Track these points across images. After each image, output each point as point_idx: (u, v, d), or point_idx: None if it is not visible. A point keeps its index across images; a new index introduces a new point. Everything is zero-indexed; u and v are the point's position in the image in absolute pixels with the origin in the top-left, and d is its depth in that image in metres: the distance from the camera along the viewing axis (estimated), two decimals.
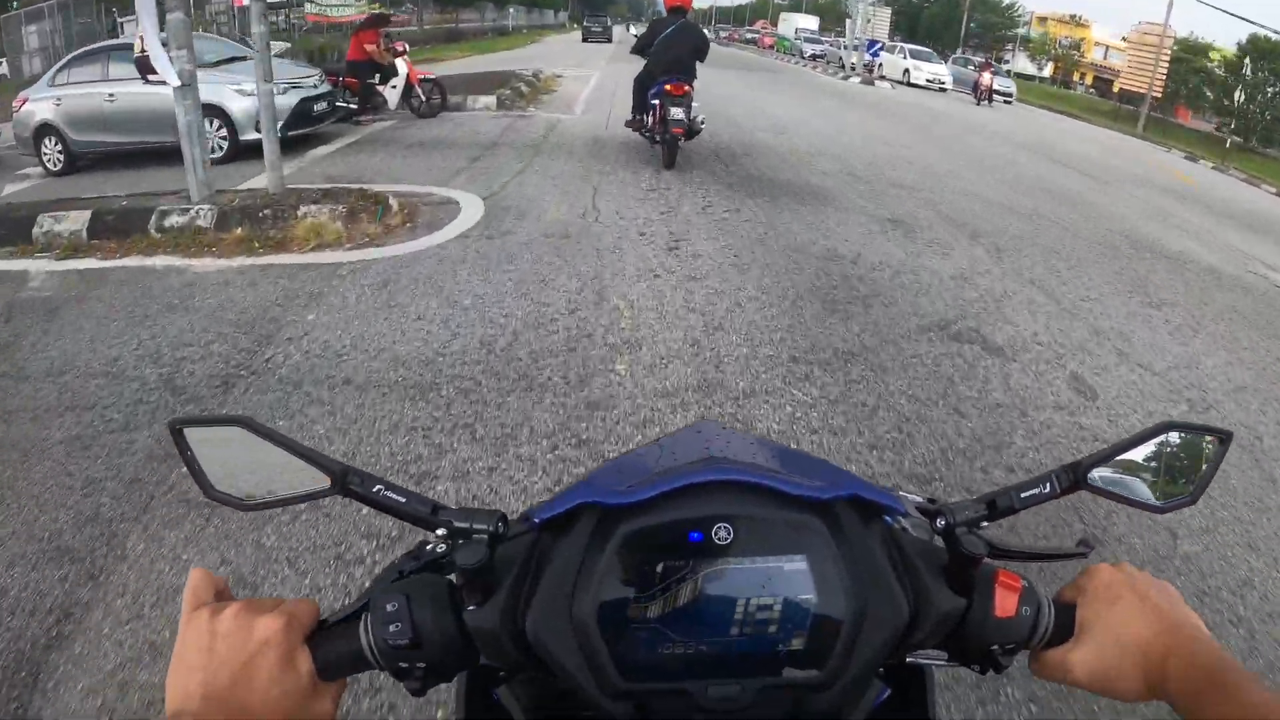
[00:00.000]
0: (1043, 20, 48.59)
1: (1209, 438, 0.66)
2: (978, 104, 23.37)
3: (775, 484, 0.57)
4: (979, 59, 30.62)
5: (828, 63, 32.41)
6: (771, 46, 47.07)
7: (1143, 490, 0.65)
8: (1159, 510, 0.65)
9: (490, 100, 12.42)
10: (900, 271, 5.28)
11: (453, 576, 0.58)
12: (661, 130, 7.51)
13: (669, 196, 6.81)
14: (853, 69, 27.43)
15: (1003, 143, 14.13)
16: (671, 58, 7.39)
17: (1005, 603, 0.60)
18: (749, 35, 59.39)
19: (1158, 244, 7.36)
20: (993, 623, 0.59)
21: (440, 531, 0.58)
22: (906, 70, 26.95)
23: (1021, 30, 49.74)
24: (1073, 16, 47.04)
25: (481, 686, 0.69)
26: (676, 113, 7.25)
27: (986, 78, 24.09)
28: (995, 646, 0.60)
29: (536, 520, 0.59)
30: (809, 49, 37.88)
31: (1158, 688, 0.56)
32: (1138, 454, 0.64)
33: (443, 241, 5.38)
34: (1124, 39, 36.69)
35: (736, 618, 0.56)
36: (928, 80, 26.50)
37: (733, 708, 0.56)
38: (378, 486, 0.59)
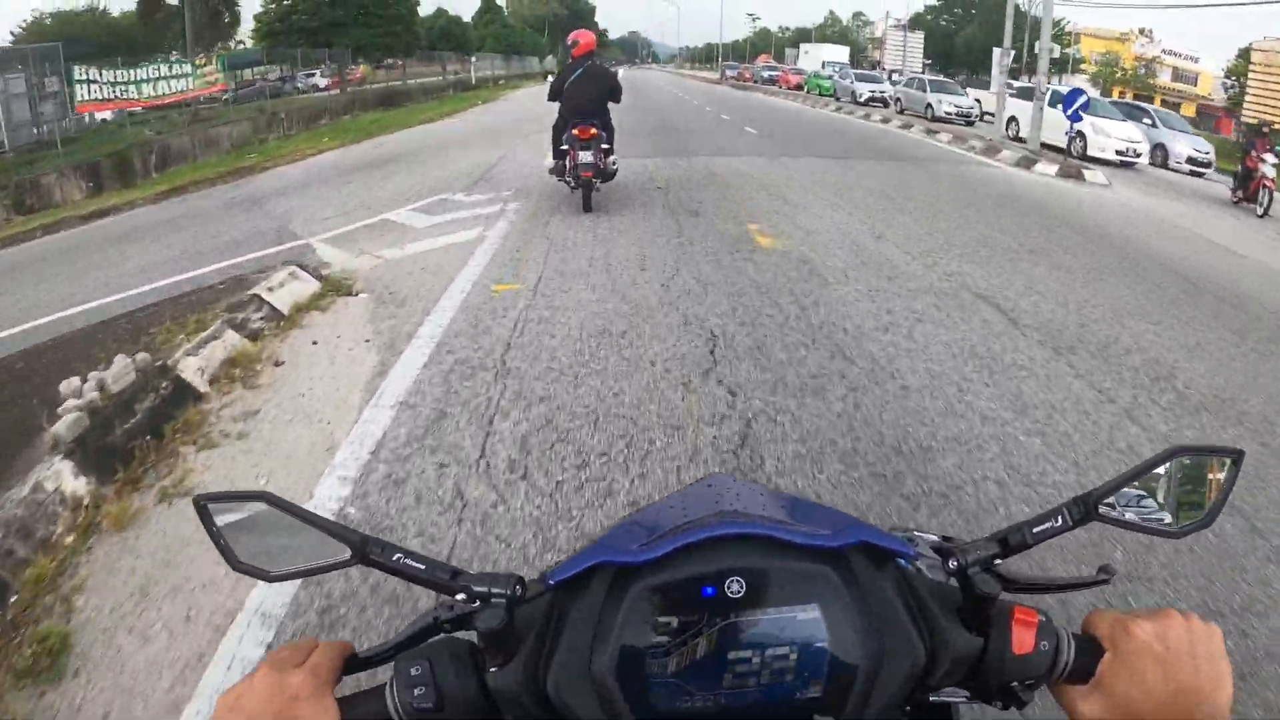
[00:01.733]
0: (1078, 36, 41.05)
1: (1219, 459, 0.65)
2: (1262, 213, 11.23)
3: (786, 535, 0.57)
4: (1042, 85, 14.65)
5: (900, 110, 23.38)
6: (798, 87, 37.04)
7: (1155, 516, 0.64)
8: (1174, 535, 0.65)
9: None
10: None
11: (474, 637, 0.60)
12: (574, 174, 7.44)
13: None
14: (1012, 136, 16.45)
15: None
16: (578, 102, 7.38)
17: (1023, 639, 0.60)
18: (765, 72, 46.89)
19: None
20: (1011, 660, 0.60)
21: (460, 597, 0.59)
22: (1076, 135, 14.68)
23: (1070, 49, 38.51)
24: (1141, 31, 39.82)
25: None
26: (585, 156, 7.23)
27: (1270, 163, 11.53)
28: (1015, 683, 0.60)
29: (552, 582, 0.60)
30: (863, 90, 27.46)
31: None
32: (1148, 480, 0.64)
33: None
34: (1244, 59, 28.10)
35: (753, 669, 0.56)
36: (1117, 152, 14.55)
37: None
38: (397, 555, 0.60)
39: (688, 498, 0.69)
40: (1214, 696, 0.58)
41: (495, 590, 0.58)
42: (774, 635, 0.56)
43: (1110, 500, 0.63)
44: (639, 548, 0.58)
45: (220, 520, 0.61)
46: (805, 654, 0.56)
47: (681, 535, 0.58)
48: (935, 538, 0.66)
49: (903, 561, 0.62)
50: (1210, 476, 0.66)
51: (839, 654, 0.56)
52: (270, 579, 0.62)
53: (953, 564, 0.61)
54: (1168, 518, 0.65)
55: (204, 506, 0.60)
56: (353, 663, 0.62)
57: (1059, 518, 0.63)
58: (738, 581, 0.56)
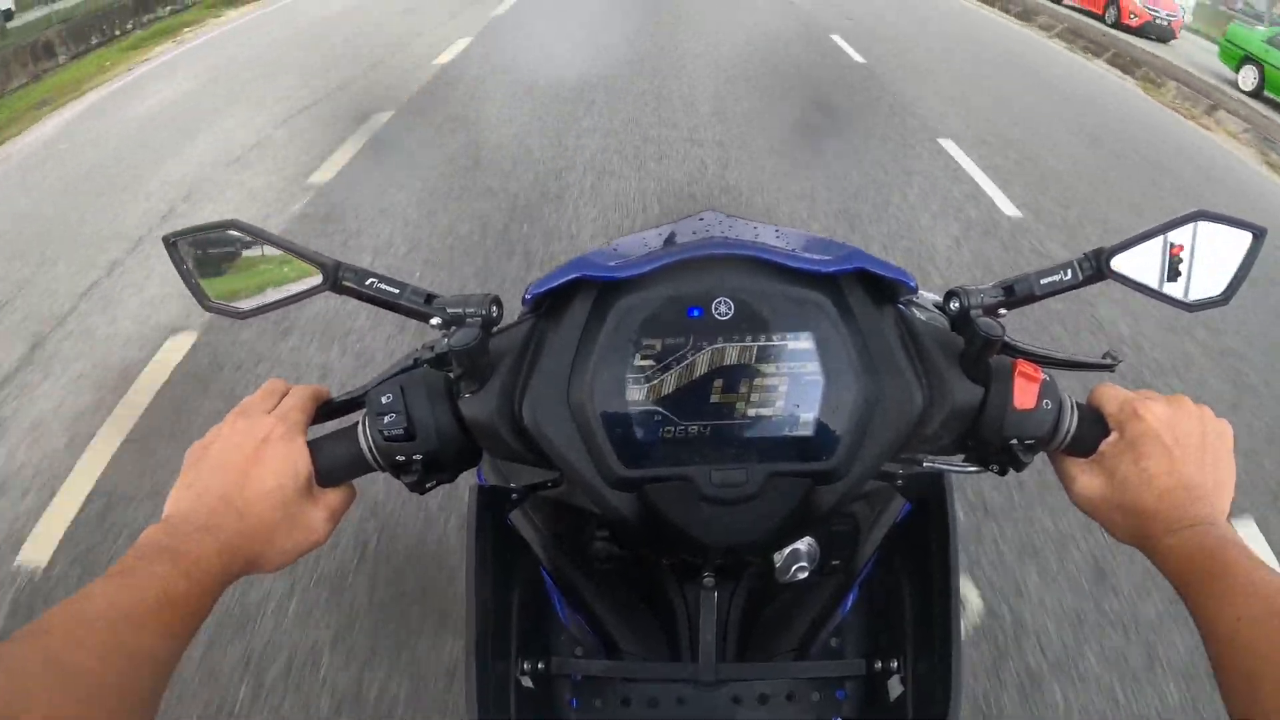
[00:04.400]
0: None
1: (1241, 231, 0.62)
2: None
3: (778, 258, 0.54)
4: None
5: None
6: None
7: (1170, 284, 0.61)
8: (1187, 308, 0.62)
9: None
10: None
11: (450, 372, 0.57)
12: None
13: None
14: None
15: None
16: None
17: (1025, 394, 0.57)
18: None
19: None
20: (1012, 415, 0.57)
21: (435, 321, 0.57)
22: None
23: None
24: None
25: (494, 511, 0.68)
26: None
27: None
28: (1014, 441, 0.58)
29: (529, 296, 0.57)
30: None
31: (1147, 546, 0.55)
32: (1164, 243, 0.60)
33: None
34: None
35: (740, 398, 0.54)
36: None
37: (738, 495, 0.54)
38: (370, 279, 0.57)
39: (677, 226, 0.66)
40: (1215, 493, 0.55)
41: (470, 311, 0.56)
42: (763, 363, 0.54)
43: (1123, 258, 0.60)
44: (623, 264, 0.55)
45: (190, 256, 0.58)
46: (796, 385, 0.54)
47: (669, 253, 0.55)
48: (937, 296, 0.63)
49: (902, 305, 0.59)
50: (1228, 248, 0.62)
51: (832, 388, 0.54)
52: (242, 315, 0.59)
53: (954, 305, 0.58)
54: (1181, 287, 0.62)
55: (173, 243, 0.58)
56: (327, 408, 0.60)
57: (1068, 271, 0.59)
58: (726, 303, 0.53)
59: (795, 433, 0.54)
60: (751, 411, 0.54)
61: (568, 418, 0.54)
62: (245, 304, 0.59)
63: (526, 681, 0.66)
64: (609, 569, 0.69)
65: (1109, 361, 0.65)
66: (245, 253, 0.58)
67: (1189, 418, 0.57)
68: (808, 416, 0.54)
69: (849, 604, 0.72)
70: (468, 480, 0.70)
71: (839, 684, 0.70)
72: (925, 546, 0.67)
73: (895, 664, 0.66)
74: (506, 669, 0.66)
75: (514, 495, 0.69)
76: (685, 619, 0.70)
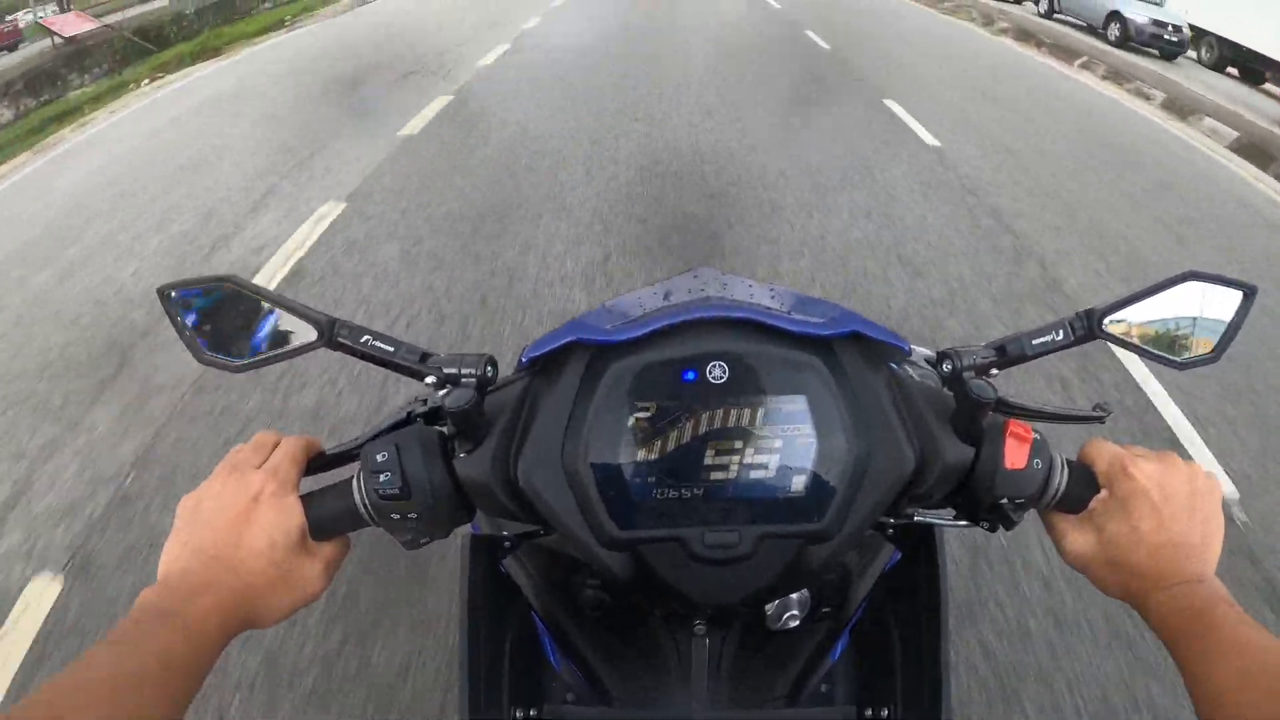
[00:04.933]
0: None
1: (1232, 290, 0.62)
2: None
3: (773, 321, 0.55)
4: None
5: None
6: None
7: (1161, 342, 0.62)
8: (1178, 366, 0.62)
9: None
10: None
11: (445, 428, 0.57)
12: None
13: None
14: None
15: None
16: None
17: (1016, 454, 0.57)
18: None
19: None
20: (1003, 475, 0.57)
21: (430, 380, 0.57)
22: None
23: None
24: None
25: (488, 558, 0.68)
26: None
27: None
28: (1005, 500, 0.58)
29: (524, 359, 0.57)
30: None
31: (1136, 603, 0.56)
32: (1156, 304, 0.61)
33: None
34: None
35: (733, 461, 0.54)
36: None
37: (730, 556, 0.54)
38: (366, 337, 0.58)
39: (671, 285, 0.67)
40: (1203, 550, 0.56)
41: (465, 371, 0.56)
42: (757, 425, 0.54)
43: (1114, 319, 0.60)
44: (618, 328, 0.55)
45: (185, 309, 0.58)
46: (789, 447, 0.54)
47: (663, 316, 0.55)
48: (930, 352, 0.63)
49: (895, 366, 0.59)
50: (1219, 307, 0.63)
51: (825, 450, 0.54)
52: (236, 369, 0.59)
53: (947, 368, 0.58)
54: (1173, 345, 0.62)
55: (167, 295, 0.58)
56: (319, 460, 0.60)
57: (1060, 331, 0.60)
58: (720, 366, 0.54)
59: (788, 494, 0.54)
60: (744, 474, 0.54)
61: (562, 479, 0.54)
62: (240, 358, 0.59)
63: None
64: (600, 616, 0.70)
65: (1099, 414, 0.66)
66: (241, 307, 0.58)
67: (1177, 475, 0.57)
68: (800, 478, 0.54)
69: (839, 650, 0.73)
70: (461, 528, 0.70)
71: None
72: (915, 594, 0.67)
73: (886, 712, 0.67)
74: (499, 715, 0.66)
75: (506, 544, 0.69)
76: (677, 665, 0.70)
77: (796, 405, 0.54)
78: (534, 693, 0.71)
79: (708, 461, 0.54)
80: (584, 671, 0.71)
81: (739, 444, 0.54)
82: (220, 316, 0.59)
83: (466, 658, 0.63)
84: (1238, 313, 0.62)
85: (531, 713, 0.68)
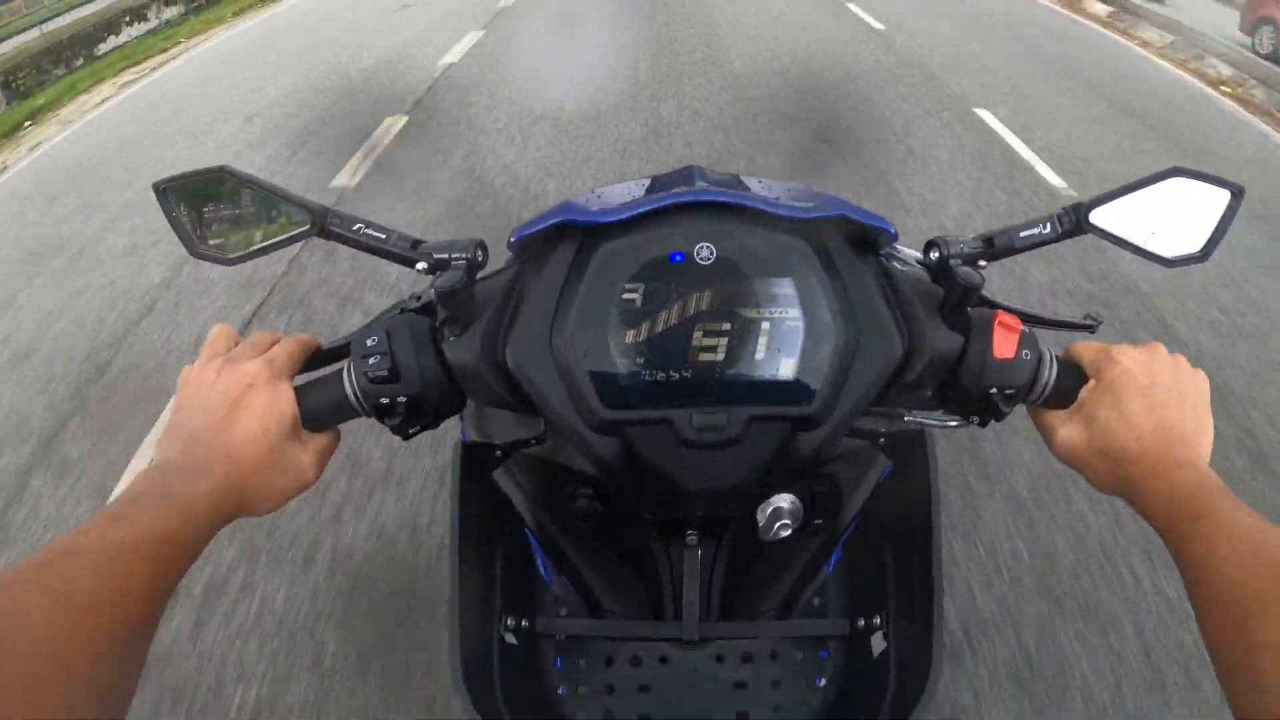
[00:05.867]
0: None
1: (1219, 189, 0.63)
2: None
3: (759, 205, 0.55)
4: None
5: None
6: None
7: (1149, 239, 0.62)
8: (1167, 264, 0.62)
9: None
10: None
11: (436, 320, 0.58)
12: None
13: None
14: None
15: None
16: None
17: (1004, 344, 0.57)
18: None
19: None
20: (992, 364, 0.57)
21: (421, 265, 0.57)
22: None
23: None
24: None
25: (477, 470, 0.68)
26: None
27: None
28: (994, 391, 0.58)
29: (514, 239, 0.57)
30: None
31: (1130, 491, 0.55)
32: (1143, 198, 0.61)
33: None
34: None
35: (721, 343, 0.54)
36: None
37: (718, 439, 0.54)
38: (358, 225, 0.58)
39: (662, 177, 0.67)
40: (1195, 438, 0.55)
41: (455, 255, 0.56)
42: (744, 308, 0.54)
43: (1102, 212, 0.60)
44: (607, 210, 0.55)
45: (179, 203, 0.59)
46: (777, 331, 0.54)
47: (652, 200, 0.55)
48: (917, 252, 0.63)
49: (883, 256, 0.59)
50: (1207, 205, 0.63)
51: (813, 334, 0.54)
52: (228, 262, 0.59)
53: (934, 255, 0.58)
54: (1161, 243, 0.62)
55: (163, 190, 0.58)
56: (316, 356, 0.60)
57: (1047, 225, 0.60)
58: (708, 248, 0.54)
59: (776, 378, 0.54)
60: (733, 356, 0.54)
61: (550, 361, 0.54)
62: (234, 250, 0.59)
63: (510, 639, 0.66)
64: (592, 527, 0.69)
65: (1089, 322, 0.66)
66: (234, 198, 0.59)
67: (1164, 363, 0.57)
68: (788, 362, 0.54)
69: (832, 564, 0.73)
70: (452, 436, 0.70)
71: (822, 643, 0.70)
72: (907, 504, 0.67)
73: (878, 621, 0.67)
74: (490, 626, 0.66)
75: (498, 453, 0.69)
76: (669, 578, 0.70)
77: (784, 288, 0.54)
78: (525, 605, 0.70)
79: (695, 343, 0.54)
80: (576, 584, 0.71)
81: (726, 326, 0.54)
82: (215, 207, 0.59)
83: (457, 568, 0.62)
84: (1225, 212, 0.62)
85: (523, 624, 0.68)
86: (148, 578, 0.43)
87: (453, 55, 6.21)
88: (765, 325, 0.54)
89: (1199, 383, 0.58)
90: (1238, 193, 0.62)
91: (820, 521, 0.71)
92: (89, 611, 0.39)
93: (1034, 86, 5.77)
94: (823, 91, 5.40)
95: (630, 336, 0.54)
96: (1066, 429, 0.59)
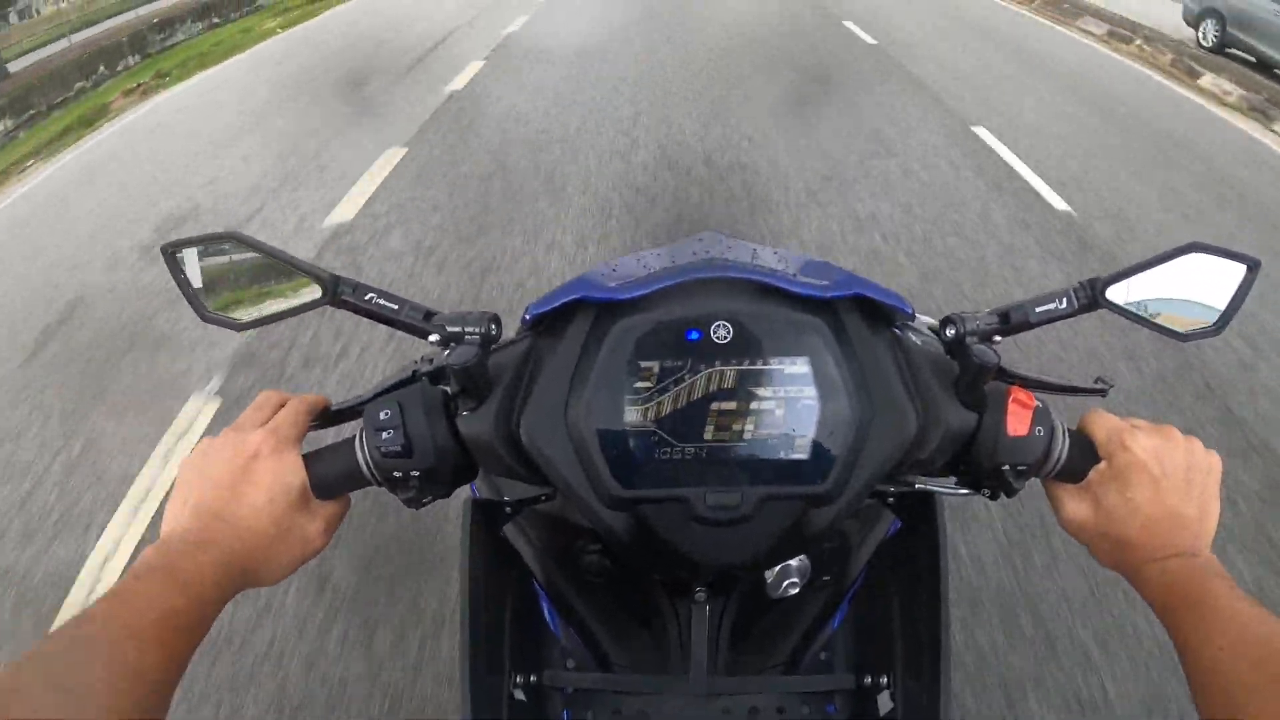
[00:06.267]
0: None
1: (1236, 264, 0.62)
2: None
3: (777, 282, 0.55)
4: None
5: None
6: None
7: (1164, 314, 0.62)
8: (1181, 339, 0.62)
9: None
10: None
11: (449, 387, 0.57)
12: None
13: None
14: None
15: None
16: None
17: (1018, 421, 0.57)
18: None
19: None
20: (1005, 441, 0.57)
21: (434, 338, 0.57)
22: None
23: None
24: None
25: (487, 525, 0.68)
26: None
27: None
28: (1006, 466, 0.58)
29: (528, 316, 0.57)
30: None
31: (1130, 574, 0.56)
32: (1159, 275, 0.61)
33: None
34: None
35: (736, 421, 0.54)
36: None
37: (732, 517, 0.54)
38: (370, 295, 0.58)
39: (676, 248, 0.67)
40: (1199, 525, 0.56)
41: (469, 329, 0.56)
42: (760, 386, 0.54)
43: (1118, 289, 0.60)
44: (622, 286, 0.55)
45: (189, 267, 0.58)
46: (791, 409, 0.54)
47: (669, 275, 0.55)
48: (933, 321, 0.63)
49: (898, 329, 0.59)
50: (1222, 280, 0.63)
51: (827, 412, 0.54)
52: (239, 327, 0.59)
53: (950, 332, 0.58)
54: (1175, 318, 0.62)
55: (171, 254, 0.58)
56: (325, 417, 0.60)
57: (1064, 300, 0.60)
58: (724, 326, 0.54)
59: (790, 456, 0.54)
60: (747, 434, 0.54)
61: (565, 437, 0.54)
62: (243, 316, 0.59)
63: (519, 694, 0.67)
64: (601, 582, 0.70)
65: (1100, 387, 0.66)
66: (244, 264, 0.58)
67: (1176, 450, 0.58)
68: (803, 440, 0.54)
69: (839, 619, 0.73)
70: (462, 491, 0.70)
71: (829, 698, 0.71)
72: (915, 562, 0.67)
73: (885, 679, 0.67)
74: (500, 681, 0.66)
75: (507, 509, 0.69)
76: (677, 632, 0.70)
77: (800, 367, 0.54)
78: (534, 659, 0.71)
79: (711, 422, 0.54)
80: (584, 638, 0.72)
81: (742, 405, 0.54)
82: (224, 272, 0.59)
83: (468, 623, 0.63)
84: (1240, 286, 0.62)
85: (532, 679, 0.68)
86: (158, 660, 0.42)
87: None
88: (780, 405, 0.54)
89: (1210, 468, 0.58)
90: (1254, 266, 0.62)
91: (828, 578, 0.71)
92: (100, 704, 0.38)
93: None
94: None
95: (645, 414, 0.54)
96: (1075, 505, 0.60)
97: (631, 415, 0.54)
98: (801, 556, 0.69)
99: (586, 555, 0.68)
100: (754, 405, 0.54)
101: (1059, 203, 4.27)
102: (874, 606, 0.72)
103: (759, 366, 0.54)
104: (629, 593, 0.72)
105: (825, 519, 0.57)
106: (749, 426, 0.54)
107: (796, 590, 0.69)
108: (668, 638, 0.71)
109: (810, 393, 0.54)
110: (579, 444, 0.54)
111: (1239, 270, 0.62)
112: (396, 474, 0.56)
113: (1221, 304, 0.62)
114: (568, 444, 0.54)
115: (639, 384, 0.54)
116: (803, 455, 0.54)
